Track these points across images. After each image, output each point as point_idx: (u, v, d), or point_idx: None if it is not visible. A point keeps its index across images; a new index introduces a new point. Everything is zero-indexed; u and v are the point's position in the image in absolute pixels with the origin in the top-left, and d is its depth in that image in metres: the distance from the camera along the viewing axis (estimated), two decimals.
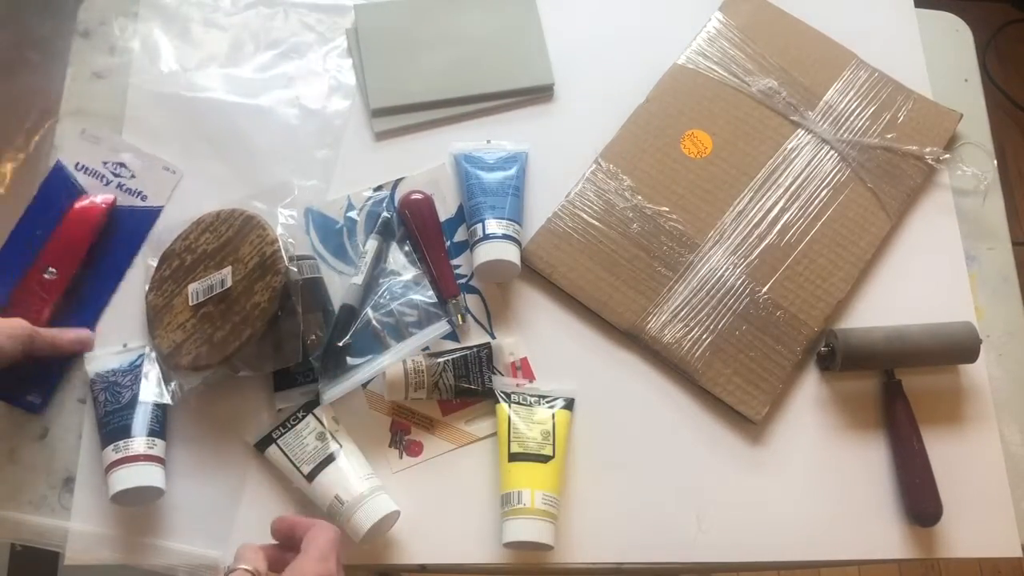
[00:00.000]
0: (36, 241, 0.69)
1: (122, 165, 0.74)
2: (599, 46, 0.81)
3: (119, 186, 0.73)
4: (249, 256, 0.64)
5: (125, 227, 0.72)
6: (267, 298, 0.62)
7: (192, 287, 0.65)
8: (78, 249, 0.69)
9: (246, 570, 0.50)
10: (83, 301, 0.69)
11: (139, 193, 0.73)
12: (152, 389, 0.64)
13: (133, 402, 0.63)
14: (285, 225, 0.68)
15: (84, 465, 0.65)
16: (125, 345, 0.68)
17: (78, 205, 0.70)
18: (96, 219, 0.70)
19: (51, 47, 0.79)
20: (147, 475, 0.61)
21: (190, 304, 0.65)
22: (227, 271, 0.64)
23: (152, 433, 0.63)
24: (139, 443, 0.62)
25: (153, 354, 0.66)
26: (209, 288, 0.64)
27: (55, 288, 0.68)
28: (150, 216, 0.72)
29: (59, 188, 0.72)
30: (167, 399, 0.64)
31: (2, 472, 0.65)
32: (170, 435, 0.65)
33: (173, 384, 0.65)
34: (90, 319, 0.69)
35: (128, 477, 0.60)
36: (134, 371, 0.65)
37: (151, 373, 0.65)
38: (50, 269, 0.68)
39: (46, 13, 0.83)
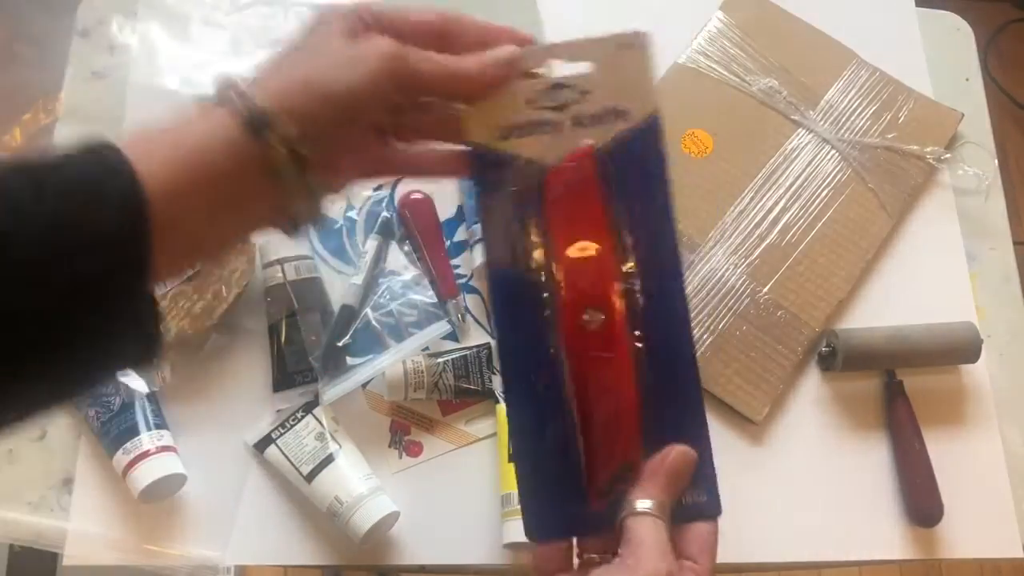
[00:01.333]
0: None
1: None
2: None
3: None
4: None
5: None
6: (245, 261, 0.65)
7: None
8: None
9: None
10: None
11: None
12: (137, 382, 0.65)
13: (125, 405, 0.63)
14: None
15: (83, 466, 0.65)
16: None
17: None
18: None
19: (47, 43, 0.79)
20: (165, 465, 0.61)
21: (158, 292, 0.66)
22: None
23: (156, 427, 0.63)
24: (146, 439, 0.62)
25: None
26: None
27: None
28: None
29: None
30: (155, 386, 0.65)
31: (0, 473, 0.65)
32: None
33: (155, 371, 0.65)
34: None
35: (148, 472, 0.60)
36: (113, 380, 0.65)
37: (129, 371, 0.65)
38: None
39: (42, 9, 0.82)
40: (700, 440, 0.38)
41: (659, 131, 0.40)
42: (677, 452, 0.37)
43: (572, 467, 0.38)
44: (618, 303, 0.38)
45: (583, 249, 0.38)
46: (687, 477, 0.37)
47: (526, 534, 0.38)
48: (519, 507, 0.39)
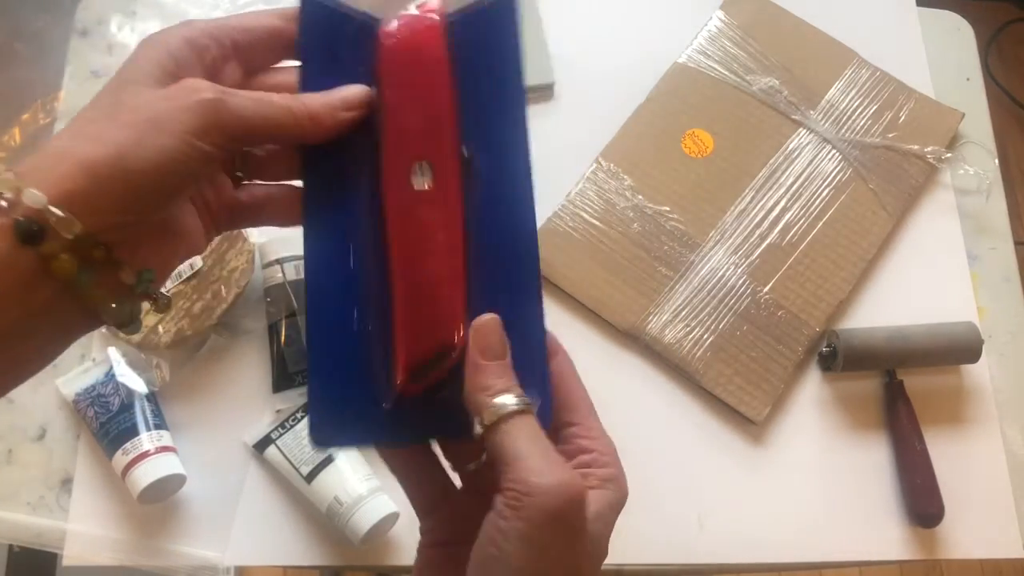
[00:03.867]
0: None
1: None
2: (599, 45, 0.81)
3: None
4: None
5: None
6: (244, 261, 0.66)
7: None
8: None
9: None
10: None
11: None
12: (136, 382, 0.64)
13: (124, 405, 0.63)
14: None
15: (82, 466, 0.65)
16: (93, 360, 0.67)
17: None
18: None
19: (47, 43, 0.79)
20: (164, 466, 0.61)
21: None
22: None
23: (155, 427, 0.63)
24: (146, 439, 0.62)
25: (123, 357, 0.66)
26: (178, 275, 0.66)
27: None
28: None
29: None
30: (154, 387, 0.65)
31: (0, 473, 0.65)
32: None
33: (154, 371, 0.65)
34: None
35: (148, 473, 0.60)
36: (112, 380, 0.65)
37: (128, 372, 0.65)
38: None
39: (42, 9, 0.82)
40: (534, 331, 0.33)
41: (515, 12, 0.35)
42: (487, 321, 0.32)
43: (377, 358, 0.33)
44: (452, 162, 0.34)
45: (418, 100, 0.34)
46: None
47: (311, 438, 0.33)
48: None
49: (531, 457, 0.29)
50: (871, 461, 0.67)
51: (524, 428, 0.30)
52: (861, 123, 0.77)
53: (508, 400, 0.30)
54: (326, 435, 0.33)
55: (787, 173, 0.74)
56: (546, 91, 0.78)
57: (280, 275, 0.66)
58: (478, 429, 0.30)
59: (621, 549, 0.64)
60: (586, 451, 0.33)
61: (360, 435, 0.34)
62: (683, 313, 0.69)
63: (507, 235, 0.35)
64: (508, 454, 0.29)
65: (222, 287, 0.65)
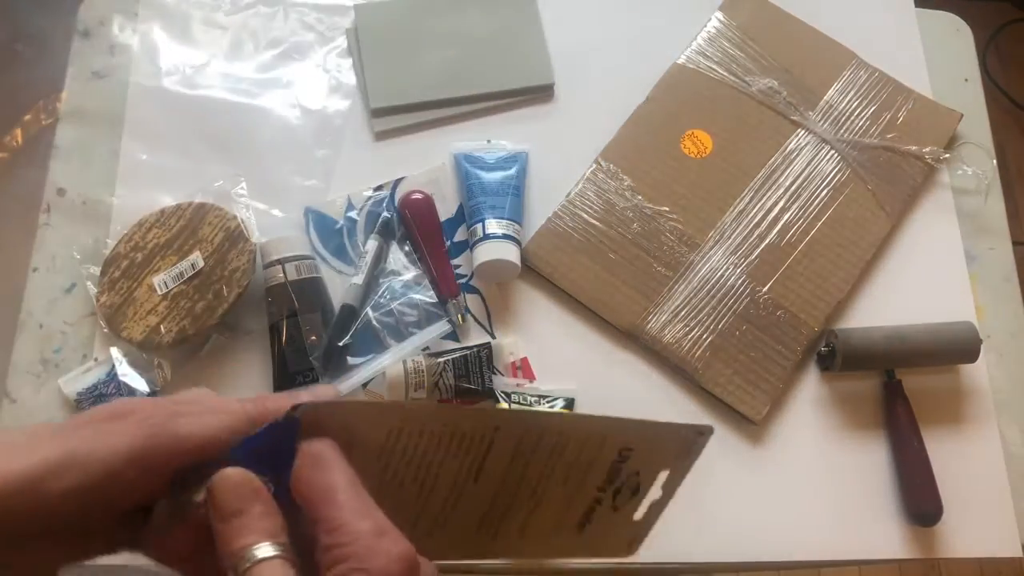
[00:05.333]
0: None
1: None
2: (599, 45, 0.81)
3: None
4: (212, 235, 0.67)
5: None
6: (245, 260, 0.66)
7: (157, 278, 0.66)
8: None
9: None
10: None
11: None
12: (138, 381, 0.65)
13: None
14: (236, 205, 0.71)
15: None
16: (95, 359, 0.67)
17: None
18: None
19: (48, 44, 0.79)
20: None
21: (158, 293, 0.66)
22: (196, 255, 0.66)
23: None
24: None
25: (124, 357, 0.66)
26: (179, 275, 0.66)
27: None
28: None
29: None
30: (156, 386, 0.65)
31: None
32: None
33: (156, 370, 0.65)
34: None
35: None
36: (114, 380, 0.65)
37: (129, 371, 0.65)
38: None
39: (43, 9, 0.82)
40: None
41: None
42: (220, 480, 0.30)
43: None
44: None
45: None
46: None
47: None
48: None
49: None
50: (870, 461, 0.67)
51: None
52: (860, 124, 0.77)
53: (256, 552, 0.28)
54: None
55: (786, 173, 0.75)
56: (546, 91, 0.79)
57: (281, 275, 0.67)
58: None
59: None
60: (331, 548, 0.29)
61: None
62: (682, 313, 0.69)
63: None
64: None
65: (223, 287, 0.65)
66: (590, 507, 0.37)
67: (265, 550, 0.28)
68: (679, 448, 0.38)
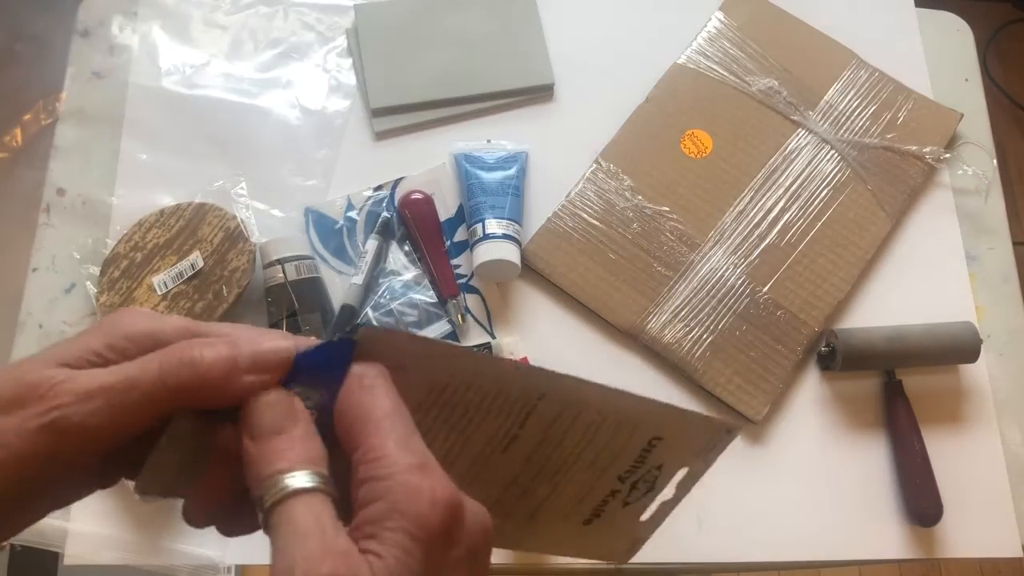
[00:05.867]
0: None
1: None
2: (599, 46, 0.81)
3: None
4: (212, 234, 0.67)
5: None
6: (245, 260, 0.66)
7: (157, 278, 0.67)
8: None
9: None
10: None
11: None
12: None
13: None
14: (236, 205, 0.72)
15: None
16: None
17: None
18: None
19: (48, 44, 0.79)
20: None
21: (158, 293, 0.66)
22: (195, 255, 0.66)
23: None
24: None
25: None
26: (179, 275, 0.66)
27: None
28: None
29: None
30: None
31: None
32: None
33: None
34: None
35: None
36: None
37: None
38: None
39: (43, 9, 0.82)
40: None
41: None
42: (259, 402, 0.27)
43: None
44: None
45: None
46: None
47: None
48: None
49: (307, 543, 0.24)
50: (870, 461, 0.67)
51: (304, 512, 0.24)
52: (860, 123, 0.77)
53: (301, 480, 0.25)
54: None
55: (786, 173, 0.75)
56: (546, 91, 0.79)
57: (281, 275, 0.67)
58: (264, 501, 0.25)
59: None
60: (367, 481, 0.25)
61: None
62: (682, 313, 0.69)
63: None
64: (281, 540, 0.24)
65: (223, 287, 0.65)
66: (604, 499, 0.37)
67: (302, 479, 0.25)
68: (704, 443, 0.38)
